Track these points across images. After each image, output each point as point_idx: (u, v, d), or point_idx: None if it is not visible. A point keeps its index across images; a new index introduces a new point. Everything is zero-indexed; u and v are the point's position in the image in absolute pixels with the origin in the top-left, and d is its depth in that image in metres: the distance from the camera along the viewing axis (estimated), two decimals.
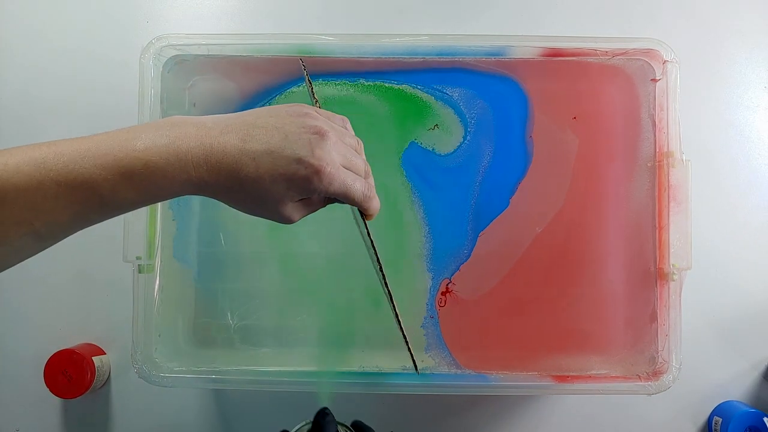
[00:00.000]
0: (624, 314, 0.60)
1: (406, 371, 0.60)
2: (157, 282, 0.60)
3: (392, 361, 0.60)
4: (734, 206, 0.71)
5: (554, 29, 0.73)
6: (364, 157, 0.47)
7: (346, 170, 0.42)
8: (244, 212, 0.43)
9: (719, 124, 0.72)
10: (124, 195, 0.38)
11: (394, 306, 0.48)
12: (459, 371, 0.60)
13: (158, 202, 0.40)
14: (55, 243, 0.40)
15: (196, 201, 0.63)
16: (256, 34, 0.63)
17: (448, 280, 0.62)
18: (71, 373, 0.65)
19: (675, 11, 0.73)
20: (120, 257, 0.58)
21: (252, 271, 0.62)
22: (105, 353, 0.70)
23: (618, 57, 0.61)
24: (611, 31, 0.72)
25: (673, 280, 0.58)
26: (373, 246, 0.48)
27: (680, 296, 0.58)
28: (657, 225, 0.60)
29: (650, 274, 0.60)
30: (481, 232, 0.62)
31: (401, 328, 0.48)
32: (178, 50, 0.61)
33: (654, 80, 0.61)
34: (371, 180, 0.46)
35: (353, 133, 0.47)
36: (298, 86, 0.63)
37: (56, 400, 0.69)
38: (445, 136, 0.64)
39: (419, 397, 0.69)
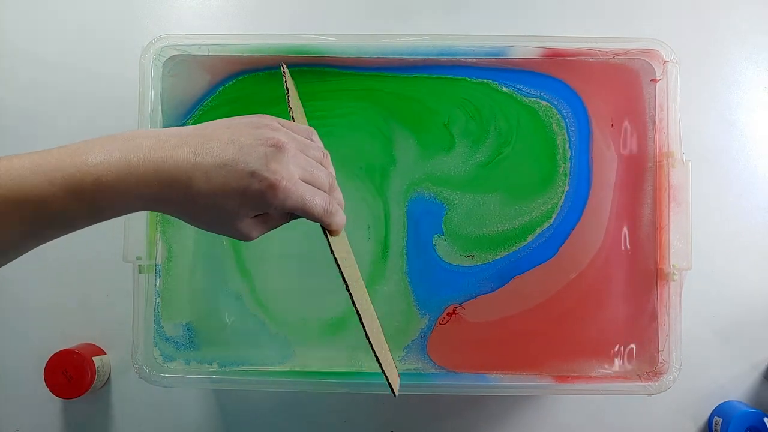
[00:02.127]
0: (624, 314, 0.60)
1: (404, 372, 0.60)
2: (157, 282, 0.60)
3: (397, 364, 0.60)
4: (734, 206, 0.71)
5: (553, 29, 0.73)
6: (331, 170, 0.45)
7: (305, 184, 0.41)
8: (201, 229, 0.41)
9: (719, 124, 0.72)
10: (74, 211, 0.37)
11: (363, 326, 0.45)
12: (437, 371, 0.60)
13: (112, 218, 0.38)
14: (10, 261, 0.38)
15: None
16: (256, 34, 0.63)
17: (457, 305, 0.60)
18: (71, 373, 0.65)
19: (675, 11, 0.73)
20: (120, 257, 0.58)
21: (252, 270, 0.61)
22: (105, 353, 0.70)
23: (618, 57, 0.61)
24: (612, 31, 0.72)
25: (673, 280, 0.58)
26: (337, 263, 0.44)
27: (680, 296, 0.58)
28: (657, 225, 0.60)
29: (650, 274, 0.60)
30: (517, 276, 0.60)
31: (372, 347, 0.45)
32: (179, 50, 0.61)
33: (654, 80, 0.61)
34: (337, 194, 0.44)
35: (320, 144, 0.45)
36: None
37: (56, 400, 0.69)
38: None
39: (419, 397, 0.69)
